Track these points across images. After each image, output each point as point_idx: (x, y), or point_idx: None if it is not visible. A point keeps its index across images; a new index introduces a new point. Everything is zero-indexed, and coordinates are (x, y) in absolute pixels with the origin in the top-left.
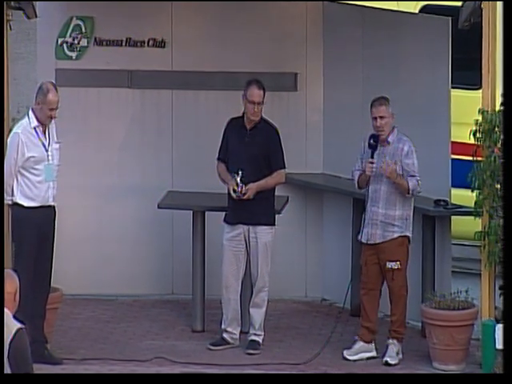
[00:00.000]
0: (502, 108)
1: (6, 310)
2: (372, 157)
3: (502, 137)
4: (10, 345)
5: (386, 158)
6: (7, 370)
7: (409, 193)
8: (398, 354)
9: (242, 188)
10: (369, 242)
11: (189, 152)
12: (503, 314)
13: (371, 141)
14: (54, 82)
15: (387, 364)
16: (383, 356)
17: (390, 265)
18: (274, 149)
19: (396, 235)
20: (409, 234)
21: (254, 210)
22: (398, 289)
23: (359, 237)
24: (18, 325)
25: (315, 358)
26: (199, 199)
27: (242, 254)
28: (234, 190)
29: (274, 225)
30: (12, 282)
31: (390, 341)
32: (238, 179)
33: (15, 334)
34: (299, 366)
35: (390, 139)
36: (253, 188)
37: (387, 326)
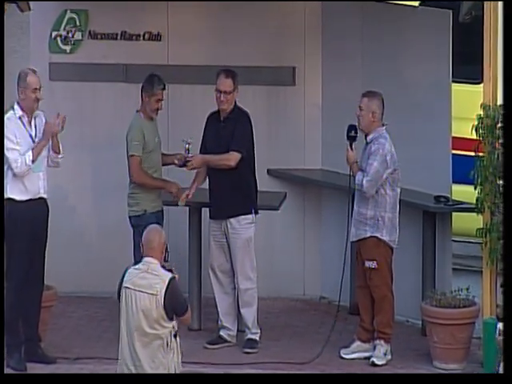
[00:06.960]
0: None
1: (155, 260)
2: (351, 147)
3: (501, 132)
4: (165, 294)
5: (352, 151)
6: (164, 317)
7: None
8: (385, 354)
9: (187, 157)
10: (351, 240)
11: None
12: (503, 313)
13: (352, 132)
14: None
15: (373, 364)
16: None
17: (367, 264)
18: (238, 130)
19: (368, 234)
20: (381, 236)
21: (228, 203)
22: (378, 289)
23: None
24: (169, 274)
25: (316, 358)
26: (196, 195)
27: (227, 247)
28: (179, 159)
29: (250, 213)
30: (161, 234)
31: (377, 341)
32: (186, 147)
33: (169, 283)
34: (297, 366)
35: (368, 138)
36: (197, 158)
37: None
